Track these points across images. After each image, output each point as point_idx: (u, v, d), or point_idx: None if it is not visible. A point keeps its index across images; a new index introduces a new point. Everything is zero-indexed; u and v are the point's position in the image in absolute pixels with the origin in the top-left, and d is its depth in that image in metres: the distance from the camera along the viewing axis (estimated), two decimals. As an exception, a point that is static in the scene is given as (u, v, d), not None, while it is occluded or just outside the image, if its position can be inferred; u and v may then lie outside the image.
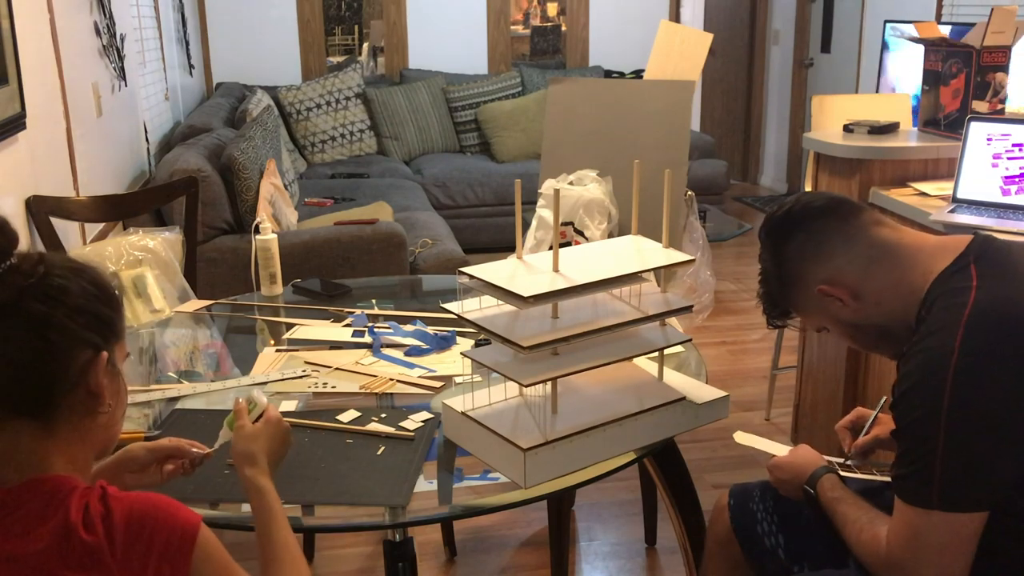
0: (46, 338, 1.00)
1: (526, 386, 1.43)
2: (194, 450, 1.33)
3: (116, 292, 1.11)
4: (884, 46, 3.60)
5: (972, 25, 2.67)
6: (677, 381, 1.63)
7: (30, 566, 0.95)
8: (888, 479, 1.53)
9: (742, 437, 1.76)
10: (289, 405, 1.69)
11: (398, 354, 1.91)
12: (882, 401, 1.67)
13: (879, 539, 1.32)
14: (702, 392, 1.60)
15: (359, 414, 1.63)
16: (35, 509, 0.98)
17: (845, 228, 1.40)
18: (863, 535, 1.37)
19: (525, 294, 1.34)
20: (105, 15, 3.40)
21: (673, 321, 1.70)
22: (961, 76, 2.58)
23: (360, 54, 6.55)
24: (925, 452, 1.23)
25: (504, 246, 5.19)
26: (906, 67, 3.38)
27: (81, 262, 1.08)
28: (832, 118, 2.98)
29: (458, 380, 1.78)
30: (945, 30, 2.78)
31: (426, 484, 1.43)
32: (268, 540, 1.17)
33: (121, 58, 3.59)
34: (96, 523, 0.96)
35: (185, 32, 5.38)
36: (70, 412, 1.04)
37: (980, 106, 2.56)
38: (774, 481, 1.61)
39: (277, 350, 1.95)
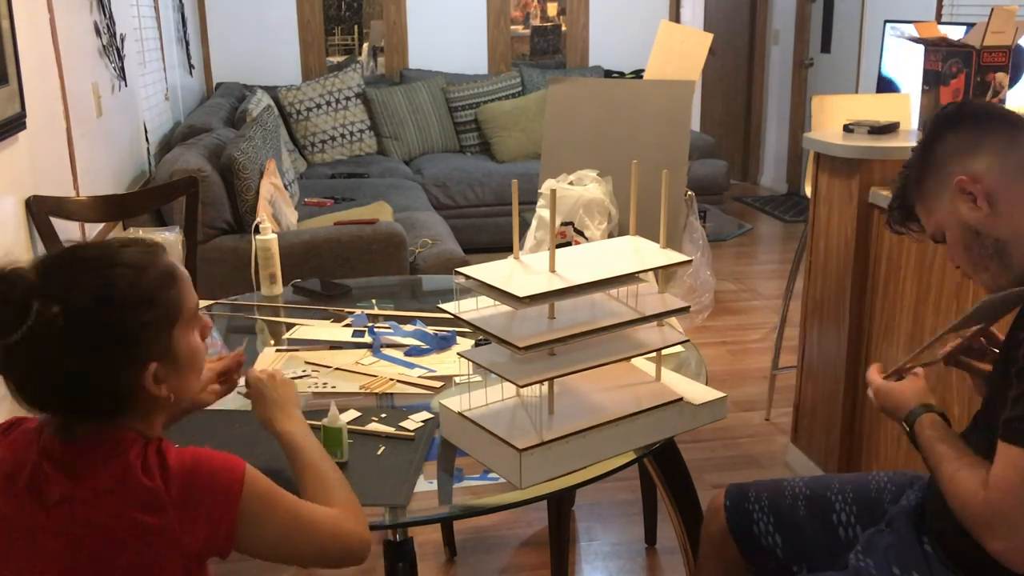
0: (85, 380, 1.08)
1: (521, 386, 1.43)
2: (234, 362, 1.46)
3: (163, 281, 1.13)
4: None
5: (972, 25, 2.67)
6: (675, 382, 1.63)
7: (94, 505, 1.05)
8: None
9: None
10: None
11: (398, 354, 1.91)
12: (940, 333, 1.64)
13: (977, 482, 1.26)
14: (700, 393, 1.60)
15: (359, 414, 1.63)
16: (98, 456, 1.08)
17: (1013, 135, 1.37)
18: (960, 474, 1.30)
19: (521, 294, 1.34)
20: (105, 15, 3.40)
21: (673, 321, 1.70)
22: (961, 76, 2.58)
23: (360, 54, 6.56)
24: None
25: (504, 246, 5.19)
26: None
27: (112, 274, 1.09)
28: (832, 118, 2.98)
29: (458, 380, 1.78)
30: (945, 30, 2.78)
31: (426, 484, 1.44)
32: (311, 468, 1.29)
33: (121, 58, 3.60)
34: (154, 471, 1.07)
35: (185, 32, 5.38)
36: (133, 410, 1.13)
37: (980, 106, 2.56)
38: (877, 406, 1.54)
39: (277, 350, 1.95)
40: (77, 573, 1.07)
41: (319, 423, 1.51)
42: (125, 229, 2.98)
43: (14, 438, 1.14)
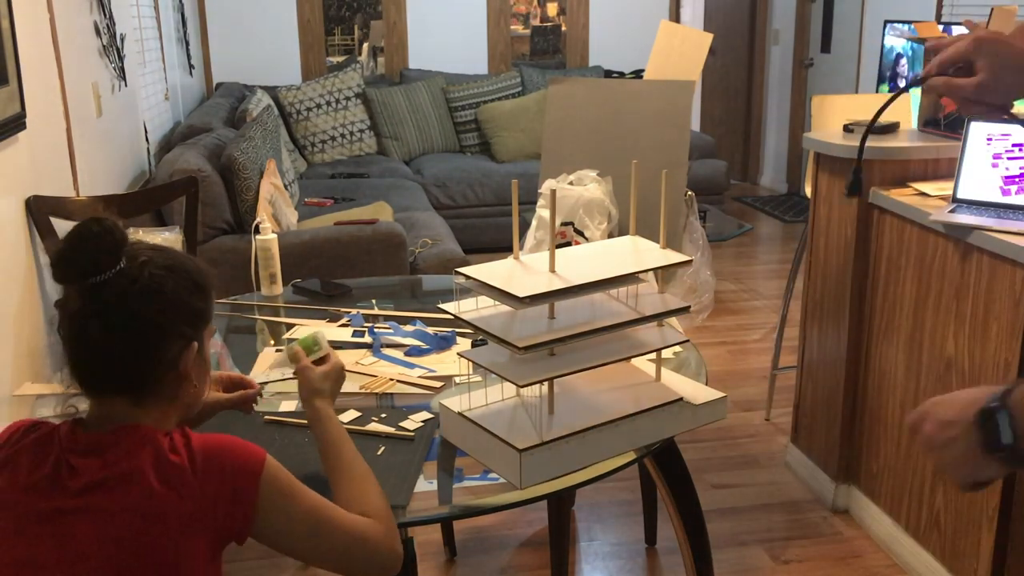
0: (144, 334, 1.16)
1: (521, 387, 1.43)
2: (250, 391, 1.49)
3: (209, 282, 1.25)
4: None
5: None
6: (675, 382, 1.63)
7: (126, 485, 1.10)
8: None
9: None
10: (289, 405, 1.69)
11: (398, 354, 1.91)
12: None
13: None
14: (700, 393, 1.60)
15: (359, 414, 1.63)
16: (130, 446, 1.13)
17: None
18: None
19: (521, 294, 1.34)
20: (105, 15, 3.40)
21: (673, 321, 1.70)
22: (961, 76, 2.58)
23: (360, 54, 6.56)
24: None
25: (504, 246, 5.19)
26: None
27: (180, 257, 1.22)
28: (832, 118, 2.98)
29: (458, 380, 1.78)
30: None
31: (426, 484, 1.44)
32: (339, 458, 1.32)
33: (121, 58, 3.60)
34: (180, 448, 1.13)
35: (185, 32, 5.38)
36: (160, 391, 1.18)
37: (980, 106, 2.56)
38: (930, 433, 0.95)
39: (277, 350, 1.95)
40: (107, 554, 1.09)
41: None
42: (125, 229, 2.98)
43: (36, 438, 1.17)
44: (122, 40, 3.63)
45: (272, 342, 2.02)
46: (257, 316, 2.18)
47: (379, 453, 1.50)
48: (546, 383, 1.44)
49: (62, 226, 2.58)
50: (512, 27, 6.52)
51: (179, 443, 1.14)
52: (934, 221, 2.27)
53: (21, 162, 2.42)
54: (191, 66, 5.52)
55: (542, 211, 2.83)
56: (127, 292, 1.14)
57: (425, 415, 1.63)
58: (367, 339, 1.97)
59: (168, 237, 2.73)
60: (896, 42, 3.34)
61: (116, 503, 1.09)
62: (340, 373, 1.44)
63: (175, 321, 1.18)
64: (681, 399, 1.55)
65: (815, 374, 2.88)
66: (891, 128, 2.72)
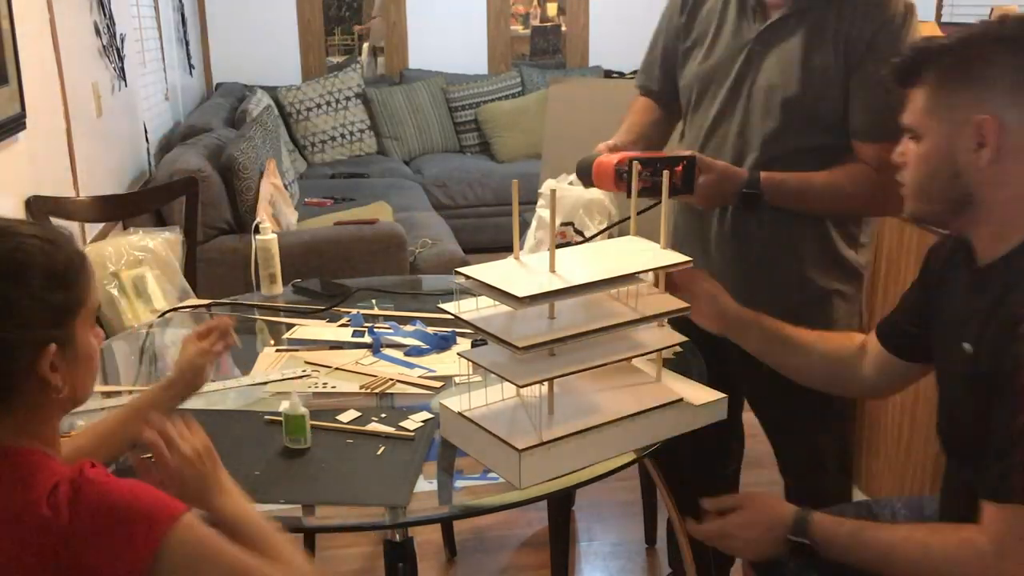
0: None
1: (521, 387, 1.43)
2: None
3: (72, 265, 1.08)
4: None
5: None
6: (675, 382, 1.63)
7: None
8: None
9: None
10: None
11: (398, 354, 1.91)
12: None
13: (972, 540, 1.15)
14: (700, 393, 1.60)
15: (359, 414, 1.64)
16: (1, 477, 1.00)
17: None
18: (945, 541, 1.18)
19: (520, 294, 1.34)
20: (105, 15, 3.40)
21: (672, 321, 1.70)
22: (960, 76, 2.58)
23: (360, 54, 6.56)
24: None
25: (504, 246, 5.18)
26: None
27: (28, 249, 1.04)
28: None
29: (458, 380, 1.78)
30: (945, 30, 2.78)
31: (426, 484, 1.44)
32: (261, 537, 1.13)
33: (121, 58, 3.60)
34: (61, 506, 0.97)
35: (185, 32, 5.38)
36: (24, 398, 1.05)
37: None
38: (738, 545, 1.40)
39: (277, 350, 1.95)
40: None
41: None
42: (125, 229, 2.98)
43: None
44: (122, 40, 3.63)
45: (272, 342, 2.02)
46: (257, 316, 2.18)
47: (379, 453, 1.50)
48: (546, 383, 1.45)
49: (62, 226, 2.59)
50: (512, 27, 6.52)
51: (63, 498, 0.97)
52: (934, 221, 2.27)
53: (21, 162, 2.42)
54: (191, 66, 5.52)
55: (542, 211, 2.83)
56: None
57: (425, 415, 1.63)
58: (367, 339, 1.98)
59: (168, 237, 2.73)
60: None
61: None
62: (207, 448, 1.17)
63: (23, 332, 1.03)
64: (681, 399, 1.55)
65: (815, 374, 2.88)
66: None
